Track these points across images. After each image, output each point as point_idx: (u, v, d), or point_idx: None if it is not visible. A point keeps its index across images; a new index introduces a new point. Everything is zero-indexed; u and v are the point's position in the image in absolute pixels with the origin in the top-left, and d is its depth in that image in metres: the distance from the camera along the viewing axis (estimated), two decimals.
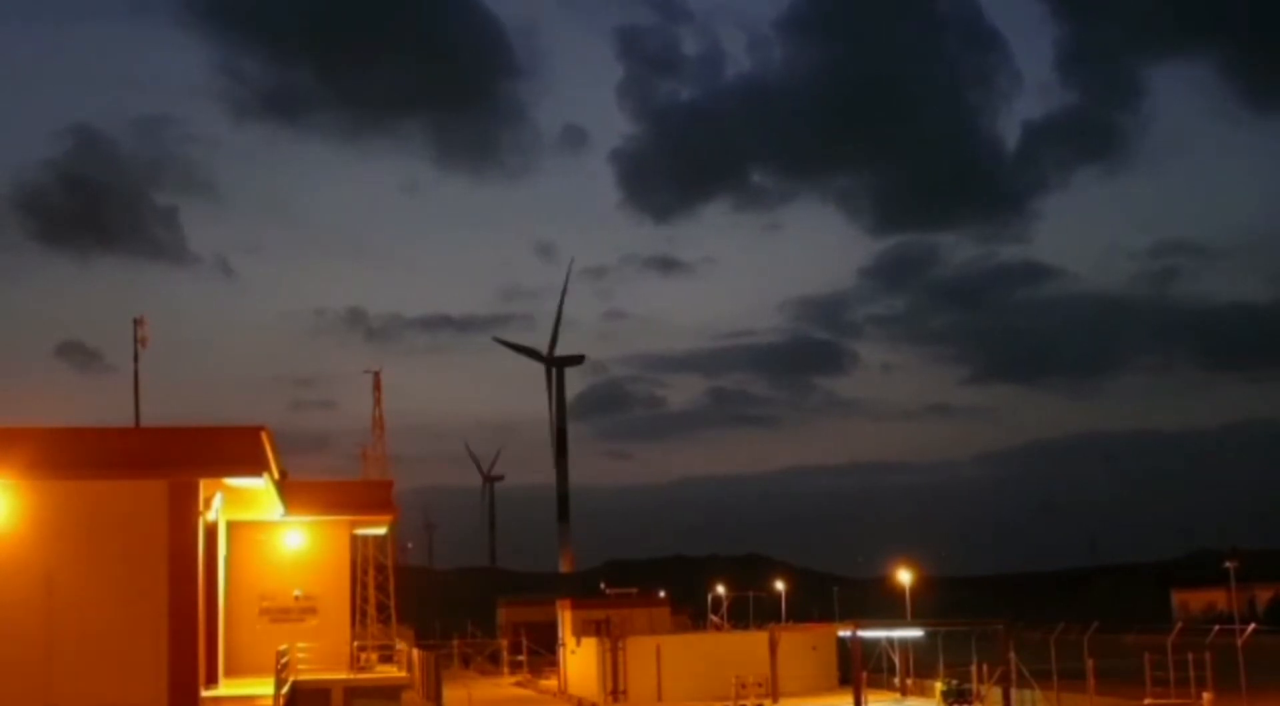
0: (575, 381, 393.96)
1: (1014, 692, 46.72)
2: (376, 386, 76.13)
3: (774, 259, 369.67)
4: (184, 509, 28.18)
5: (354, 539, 48.55)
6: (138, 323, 44.74)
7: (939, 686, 52.01)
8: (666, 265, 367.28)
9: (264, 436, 29.09)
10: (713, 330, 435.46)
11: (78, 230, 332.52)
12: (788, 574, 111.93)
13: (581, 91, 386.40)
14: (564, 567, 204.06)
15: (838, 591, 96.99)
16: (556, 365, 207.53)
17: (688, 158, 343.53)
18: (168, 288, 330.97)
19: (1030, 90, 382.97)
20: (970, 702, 50.46)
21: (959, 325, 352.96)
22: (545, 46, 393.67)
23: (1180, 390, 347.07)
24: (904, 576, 63.45)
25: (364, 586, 70.11)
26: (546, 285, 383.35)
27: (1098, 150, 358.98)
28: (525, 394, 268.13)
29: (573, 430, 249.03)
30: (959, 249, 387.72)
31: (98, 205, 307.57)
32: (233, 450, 28.77)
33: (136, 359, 43.89)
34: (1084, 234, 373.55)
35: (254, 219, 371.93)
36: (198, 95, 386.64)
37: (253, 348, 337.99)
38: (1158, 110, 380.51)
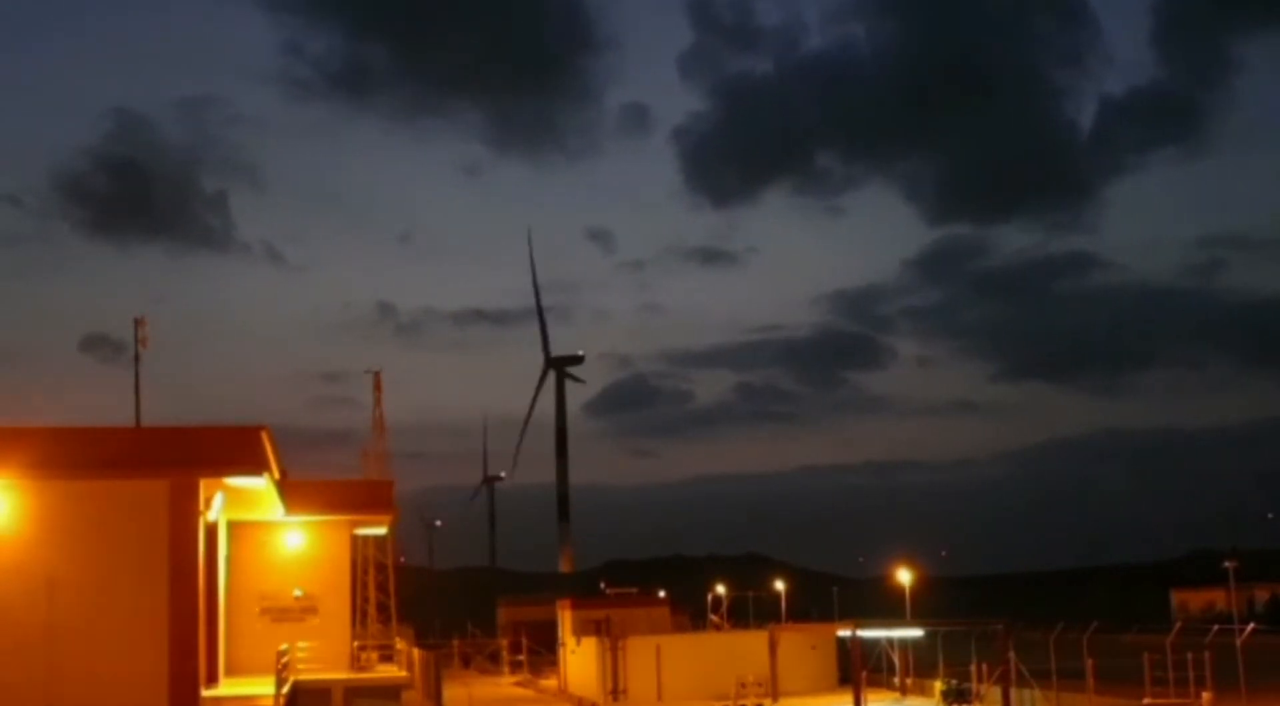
0: (601, 377, 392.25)
1: (1014, 692, 46.73)
2: (377, 386, 76.36)
3: (822, 248, 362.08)
4: (184, 509, 28.18)
5: (354, 538, 48.54)
6: (138, 323, 44.92)
7: (939, 686, 52.02)
8: (709, 256, 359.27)
9: (264, 436, 29.11)
10: (746, 324, 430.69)
11: (117, 218, 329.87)
12: (787, 573, 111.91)
13: (648, 67, 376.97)
14: (564, 567, 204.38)
15: (838, 591, 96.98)
16: (556, 366, 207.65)
17: (753, 137, 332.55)
18: (206, 277, 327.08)
19: (1118, 69, 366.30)
20: (970, 702, 50.48)
21: (995, 319, 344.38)
22: (616, 19, 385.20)
23: (1210, 387, 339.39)
24: (904, 576, 63.46)
25: (364, 586, 70.14)
26: (589, 277, 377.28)
27: (1178, 133, 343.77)
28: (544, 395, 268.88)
29: (595, 426, 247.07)
30: (1014, 238, 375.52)
31: (137, 192, 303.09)
32: (233, 450, 28.78)
33: (137, 359, 44.08)
34: (1149, 223, 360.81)
35: (301, 206, 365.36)
36: (251, 75, 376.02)
37: (284, 341, 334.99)
38: (1248, 90, 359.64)
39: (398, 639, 56.03)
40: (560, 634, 69.13)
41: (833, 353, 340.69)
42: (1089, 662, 45.59)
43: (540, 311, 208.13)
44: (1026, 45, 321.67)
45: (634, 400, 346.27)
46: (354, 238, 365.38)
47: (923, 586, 71.72)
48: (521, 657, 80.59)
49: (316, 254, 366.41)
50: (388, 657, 48.19)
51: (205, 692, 29.86)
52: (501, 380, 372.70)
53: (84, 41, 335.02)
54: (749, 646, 58.17)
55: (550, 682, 69.43)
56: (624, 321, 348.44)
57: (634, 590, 79.91)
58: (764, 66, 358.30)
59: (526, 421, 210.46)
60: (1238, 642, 43.33)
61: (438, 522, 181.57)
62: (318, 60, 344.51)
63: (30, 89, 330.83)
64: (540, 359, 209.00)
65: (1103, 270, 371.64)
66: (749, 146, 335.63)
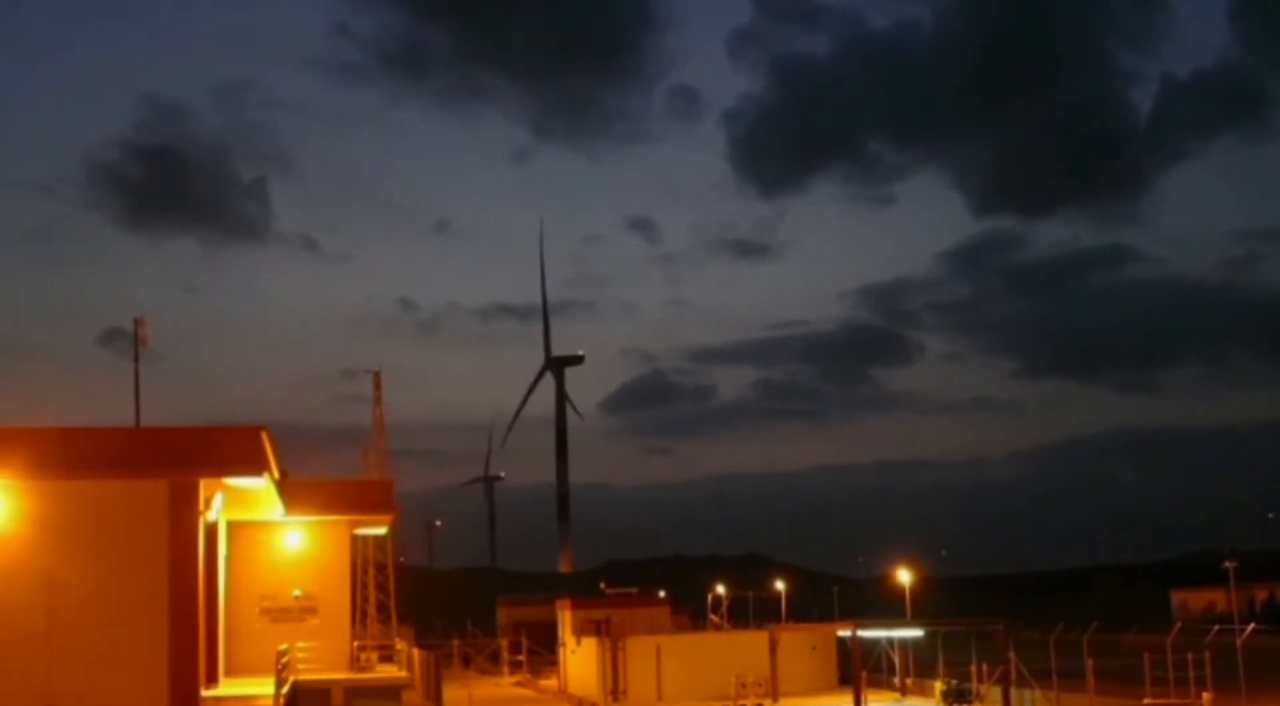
0: (622, 373, 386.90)
1: (1014, 692, 46.72)
2: (376, 386, 76.13)
3: (863, 240, 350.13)
4: (184, 509, 28.19)
5: (354, 538, 48.53)
6: (138, 322, 44.91)
7: (939, 686, 51.99)
8: (747, 249, 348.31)
9: (264, 436, 29.12)
10: (773, 319, 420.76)
11: (150, 207, 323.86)
12: (788, 573, 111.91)
13: (702, 47, 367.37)
14: (564, 567, 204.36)
15: (838, 591, 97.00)
16: (556, 365, 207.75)
17: (806, 122, 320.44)
18: (241, 267, 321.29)
19: (1187, 52, 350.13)
20: (970, 702, 50.46)
21: (1022, 315, 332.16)
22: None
23: (1233, 384, 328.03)
24: (904, 576, 63.44)
25: (364, 586, 70.12)
26: (624, 269, 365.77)
27: (1243, 119, 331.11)
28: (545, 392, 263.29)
29: (612, 424, 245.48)
30: (1056, 230, 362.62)
31: (172, 180, 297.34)
32: (233, 450, 28.79)
33: (137, 359, 44.04)
34: (1201, 215, 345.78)
35: (339, 195, 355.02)
36: (292, 58, 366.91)
37: (314, 334, 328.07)
38: None
39: (398, 639, 56.05)
40: (560, 634, 69.10)
41: (858, 348, 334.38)
42: (1089, 662, 45.55)
43: (545, 310, 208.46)
44: (1097, 27, 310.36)
45: (654, 397, 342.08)
46: (390, 228, 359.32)
47: (923, 586, 71.77)
48: (521, 657, 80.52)
49: (352, 244, 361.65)
50: (388, 657, 48.20)
51: (205, 692, 29.86)
52: (519, 377, 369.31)
53: (116, 25, 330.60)
54: (749, 646, 58.12)
55: (550, 683, 69.39)
56: (651, 316, 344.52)
57: (634, 590, 79.84)
58: (822, 47, 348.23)
59: (514, 419, 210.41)
60: (1238, 642, 43.33)
61: (437, 522, 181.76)
62: (365, 42, 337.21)
63: (61, 75, 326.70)
64: (541, 358, 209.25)
65: (1141, 264, 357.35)
66: (800, 131, 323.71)
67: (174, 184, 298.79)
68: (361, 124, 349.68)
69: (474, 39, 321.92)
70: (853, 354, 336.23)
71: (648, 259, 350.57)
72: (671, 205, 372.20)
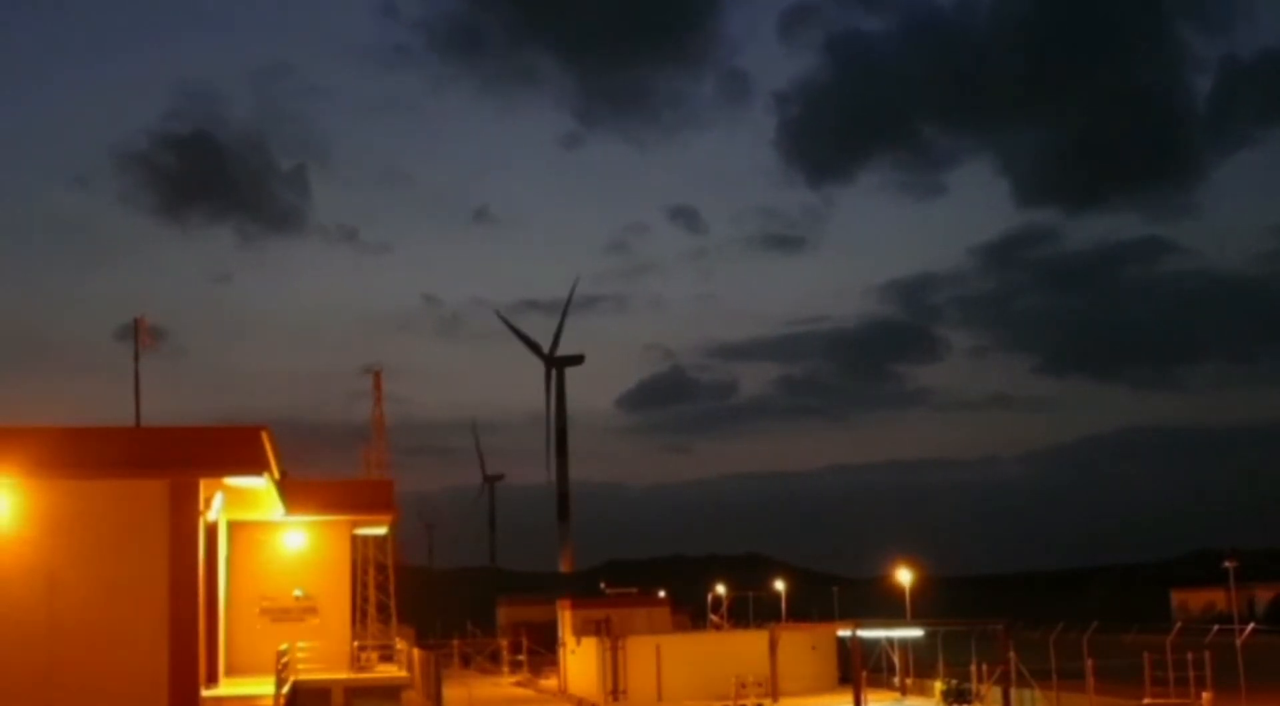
0: (641, 369, 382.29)
1: (1014, 692, 46.74)
2: (376, 386, 76.21)
3: (905, 231, 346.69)
4: (184, 509, 28.18)
5: (354, 538, 48.53)
6: (138, 322, 44.92)
7: (939, 686, 52.03)
8: (784, 242, 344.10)
9: (264, 436, 29.11)
10: (798, 314, 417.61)
11: (184, 198, 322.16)
12: (788, 573, 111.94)
13: (754, 29, 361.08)
14: (564, 567, 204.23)
15: (838, 591, 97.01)
16: (557, 365, 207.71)
17: (857, 106, 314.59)
18: (274, 258, 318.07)
19: (1258, 33, 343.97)
20: (970, 702, 50.48)
21: (1050, 310, 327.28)
22: None
23: (1255, 382, 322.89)
24: (904, 576, 63.42)
25: (364, 586, 70.15)
26: (659, 261, 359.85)
27: None
28: (575, 389, 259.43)
29: (630, 421, 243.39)
30: (1099, 222, 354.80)
31: (207, 170, 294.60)
32: (233, 450, 28.78)
33: (137, 359, 44.07)
34: (1248, 207, 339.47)
35: (378, 184, 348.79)
36: (331, 42, 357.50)
37: (335, 329, 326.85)
38: None
39: (398, 639, 56.06)
40: (560, 634, 69.13)
41: (882, 344, 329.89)
42: (1089, 662, 45.57)
43: (563, 318, 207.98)
44: (1168, 6, 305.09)
45: (672, 394, 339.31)
46: (430, 217, 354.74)
47: (923, 586, 71.69)
48: (521, 657, 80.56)
49: (391, 234, 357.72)
50: (388, 657, 48.21)
51: (205, 692, 29.86)
52: (539, 375, 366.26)
53: (149, 10, 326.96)
54: (749, 646, 58.14)
55: (550, 682, 69.42)
56: (678, 310, 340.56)
57: (634, 590, 79.88)
58: (877, 26, 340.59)
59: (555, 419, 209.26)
60: (1238, 642, 43.35)
61: (433, 525, 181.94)
62: (412, 25, 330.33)
63: (93, 63, 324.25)
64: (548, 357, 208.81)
65: (1177, 258, 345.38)
66: (852, 115, 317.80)
67: (211, 173, 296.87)
68: (405, 109, 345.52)
69: (525, 22, 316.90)
70: (876, 350, 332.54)
71: (686, 251, 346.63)
72: (716, 193, 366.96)
